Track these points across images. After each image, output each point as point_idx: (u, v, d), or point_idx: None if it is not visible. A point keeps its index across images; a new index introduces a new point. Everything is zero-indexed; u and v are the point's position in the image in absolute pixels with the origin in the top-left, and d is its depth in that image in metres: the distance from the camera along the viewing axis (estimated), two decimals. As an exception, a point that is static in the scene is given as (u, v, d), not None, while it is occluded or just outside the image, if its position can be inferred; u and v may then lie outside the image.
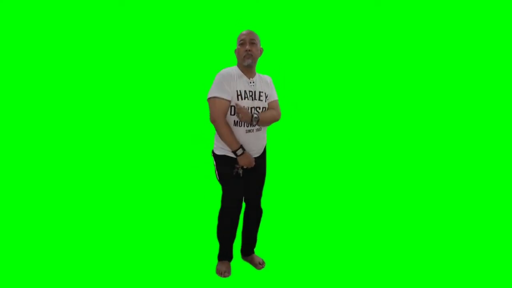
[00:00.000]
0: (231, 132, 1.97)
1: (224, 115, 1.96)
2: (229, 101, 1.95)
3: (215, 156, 2.12)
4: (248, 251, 2.39)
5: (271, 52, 4.30)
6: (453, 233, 2.80)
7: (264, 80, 2.11)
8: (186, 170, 4.22)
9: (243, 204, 2.30)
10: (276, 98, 2.15)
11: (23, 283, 2.13)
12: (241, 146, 2.00)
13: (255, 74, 2.08)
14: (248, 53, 1.98)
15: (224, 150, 2.06)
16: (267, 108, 2.09)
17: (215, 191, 3.40)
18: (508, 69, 4.34)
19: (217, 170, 2.13)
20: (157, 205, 3.40)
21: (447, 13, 4.37)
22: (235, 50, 2.07)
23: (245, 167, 2.04)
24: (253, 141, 2.05)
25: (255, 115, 1.97)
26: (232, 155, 2.04)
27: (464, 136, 4.46)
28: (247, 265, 2.36)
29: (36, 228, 2.87)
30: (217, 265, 2.28)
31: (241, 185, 2.12)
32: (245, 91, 1.99)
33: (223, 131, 1.95)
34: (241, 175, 2.06)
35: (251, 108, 2.00)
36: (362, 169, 4.30)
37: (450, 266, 2.33)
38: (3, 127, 4.28)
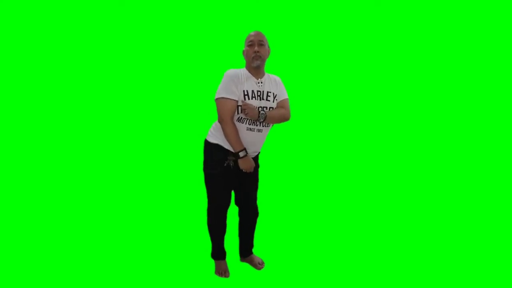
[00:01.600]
0: (237, 133, 1.97)
1: (231, 115, 1.96)
2: (236, 101, 1.95)
3: (208, 144, 2.10)
4: (246, 253, 2.40)
5: (277, 53, 4.28)
6: (453, 233, 2.84)
7: (273, 80, 2.10)
8: (185, 169, 4.20)
9: (237, 207, 2.31)
10: (285, 97, 2.13)
11: (23, 283, 2.12)
12: (245, 149, 1.99)
13: (263, 74, 2.07)
14: (257, 54, 1.98)
15: (219, 139, 2.05)
16: (276, 107, 2.07)
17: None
18: (508, 69, 4.37)
19: (206, 157, 2.11)
20: (156, 205, 3.37)
21: (455, 14, 4.41)
22: (243, 51, 2.06)
23: (244, 170, 2.03)
24: (251, 140, 2.04)
25: (262, 112, 1.97)
26: (226, 145, 2.03)
27: (467, 138, 4.49)
28: (246, 265, 2.36)
29: (32, 227, 2.83)
30: (215, 266, 2.28)
31: (232, 179, 2.10)
32: (252, 91, 1.99)
33: (229, 131, 1.96)
34: (231, 167, 2.05)
35: (258, 108, 1.99)
36: (361, 169, 4.32)
37: (449, 266, 2.36)
38: (3, 127, 4.24)
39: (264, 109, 2.02)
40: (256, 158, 2.20)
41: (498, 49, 4.38)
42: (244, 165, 2.01)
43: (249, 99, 1.97)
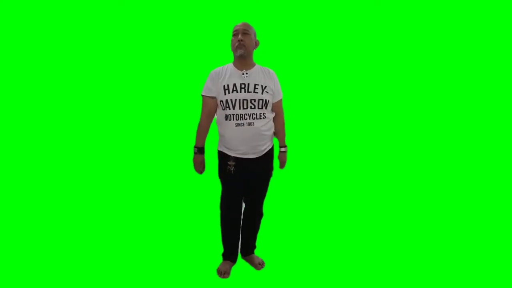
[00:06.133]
0: (202, 130, 2.09)
1: (207, 112, 2.06)
2: (214, 98, 2.02)
3: (218, 153, 2.14)
4: (247, 252, 2.39)
5: (273, 49, 4.25)
6: (454, 234, 2.79)
7: (264, 72, 2.06)
8: (190, 167, 4.20)
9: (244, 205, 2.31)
10: (281, 96, 2.12)
11: (23, 283, 2.15)
12: (198, 148, 2.09)
13: (252, 66, 2.05)
14: (240, 43, 1.96)
15: (222, 146, 2.09)
16: (268, 101, 2.01)
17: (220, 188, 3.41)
18: (508, 69, 4.32)
19: (218, 166, 2.17)
20: (160, 204, 3.40)
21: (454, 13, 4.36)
22: (230, 42, 2.05)
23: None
24: (245, 136, 2.00)
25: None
26: (227, 152, 2.06)
27: (467, 138, 4.44)
28: (247, 265, 2.36)
29: (35, 230, 2.86)
30: (220, 264, 2.28)
31: (238, 184, 2.11)
32: (234, 84, 1.98)
33: (199, 126, 2.09)
34: (232, 173, 2.06)
35: (243, 100, 1.97)
36: (363, 170, 4.29)
37: (450, 266, 2.32)
38: (3, 127, 4.26)
39: (252, 101, 1.98)
40: (265, 159, 2.13)
41: (498, 49, 4.33)
42: (193, 163, 2.13)
43: (229, 93, 1.98)
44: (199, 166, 2.15)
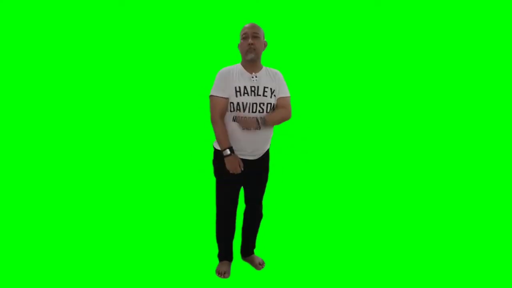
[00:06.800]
0: (224, 131, 1.94)
1: (220, 113, 1.94)
2: (226, 99, 1.93)
3: (214, 149, 2.10)
4: (247, 252, 2.38)
5: (278, 49, 4.23)
6: (454, 234, 2.78)
7: (271, 74, 2.03)
8: (187, 168, 4.21)
9: (243, 205, 2.30)
10: (287, 94, 2.07)
11: (23, 283, 2.13)
12: (230, 148, 1.95)
13: (260, 68, 2.02)
14: (251, 47, 1.93)
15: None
16: (275, 105, 2.00)
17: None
18: (508, 69, 4.32)
19: (214, 164, 2.12)
20: (158, 205, 3.38)
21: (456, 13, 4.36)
22: (239, 45, 2.02)
23: (230, 172, 1.98)
24: (249, 140, 1.98)
25: (259, 118, 1.93)
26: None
27: (467, 138, 4.44)
28: (247, 265, 2.35)
29: (36, 230, 2.85)
30: (218, 265, 2.27)
31: (236, 183, 2.09)
32: (245, 87, 1.94)
33: (218, 130, 1.94)
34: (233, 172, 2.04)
35: (253, 104, 1.95)
36: (363, 170, 4.28)
37: (450, 266, 2.31)
38: (3, 127, 4.27)
39: (261, 105, 1.95)
40: (263, 159, 2.12)
41: (498, 49, 4.33)
42: (229, 165, 1.96)
43: (241, 95, 1.93)
44: (238, 166, 1.98)
